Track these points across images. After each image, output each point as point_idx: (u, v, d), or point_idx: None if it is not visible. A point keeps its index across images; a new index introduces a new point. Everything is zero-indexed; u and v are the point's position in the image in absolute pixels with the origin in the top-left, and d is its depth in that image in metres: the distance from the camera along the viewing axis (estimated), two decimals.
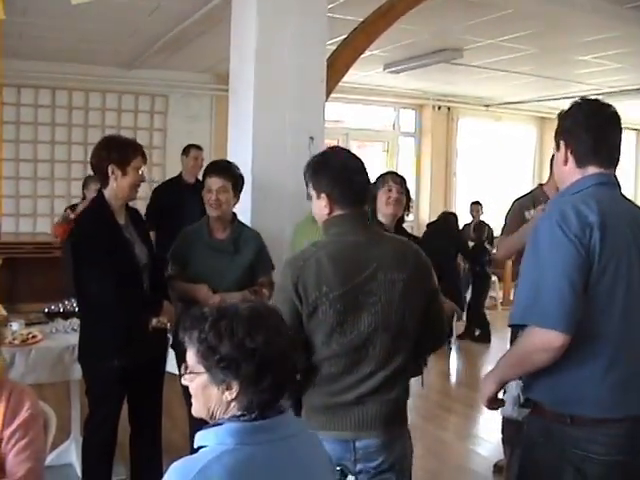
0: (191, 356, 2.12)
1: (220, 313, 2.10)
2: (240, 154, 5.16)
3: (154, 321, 3.93)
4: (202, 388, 2.12)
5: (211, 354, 2.06)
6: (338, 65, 5.84)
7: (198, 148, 7.70)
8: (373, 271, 2.88)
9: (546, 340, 2.47)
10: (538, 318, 2.49)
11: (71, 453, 4.98)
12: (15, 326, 4.60)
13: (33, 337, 4.72)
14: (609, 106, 2.70)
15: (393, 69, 9.93)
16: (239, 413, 2.08)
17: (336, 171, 2.93)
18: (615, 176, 2.72)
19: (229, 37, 5.77)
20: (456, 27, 7.78)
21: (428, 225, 9.68)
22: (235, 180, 4.46)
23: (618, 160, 2.71)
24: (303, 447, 2.20)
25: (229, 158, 5.39)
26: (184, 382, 2.15)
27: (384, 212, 4.39)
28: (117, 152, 4.01)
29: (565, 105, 2.81)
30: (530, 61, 9.39)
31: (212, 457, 2.00)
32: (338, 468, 2.81)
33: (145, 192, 10.50)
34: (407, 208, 4.52)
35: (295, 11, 5.26)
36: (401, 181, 4.48)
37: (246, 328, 2.05)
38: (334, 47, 6.09)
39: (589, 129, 2.65)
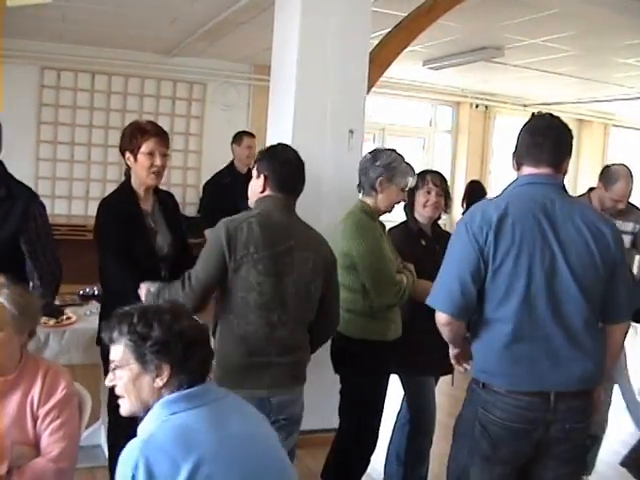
0: (119, 351, 2.38)
1: (144, 308, 2.44)
2: None
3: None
4: (133, 380, 2.38)
5: (142, 342, 2.34)
6: (380, 60, 5.84)
7: (251, 135, 7.56)
8: (291, 246, 3.42)
9: (438, 319, 3.06)
10: (433, 301, 3.08)
11: (100, 435, 5.02)
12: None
13: (67, 318, 4.77)
14: (547, 119, 3.15)
15: (433, 65, 9.88)
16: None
17: (277, 161, 3.54)
18: (552, 175, 3.08)
19: (269, 28, 5.78)
20: (498, 25, 7.71)
21: None
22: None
23: (553, 162, 3.07)
24: (234, 404, 2.53)
25: None
26: (110, 383, 2.42)
27: (421, 213, 4.39)
28: (128, 138, 4.06)
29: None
30: (571, 62, 9.29)
31: (151, 430, 2.28)
32: None
33: (180, 178, 10.67)
34: (446, 208, 4.50)
35: (339, 4, 5.25)
36: (441, 182, 4.47)
37: (171, 315, 2.38)
38: (375, 41, 6.07)
39: (523, 138, 3.13)
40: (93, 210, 4.14)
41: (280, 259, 3.40)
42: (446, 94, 12.53)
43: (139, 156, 4.01)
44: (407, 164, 4.20)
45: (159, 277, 4.02)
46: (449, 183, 4.71)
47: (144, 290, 3.73)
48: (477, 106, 12.84)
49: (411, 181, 4.20)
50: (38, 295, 3.77)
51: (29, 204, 3.96)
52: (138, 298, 3.69)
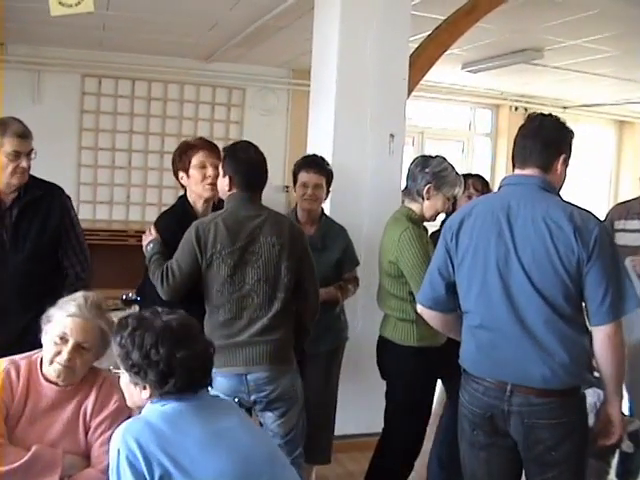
0: (116, 357, 2.54)
1: (139, 323, 2.50)
2: (320, 150, 5.16)
3: None
4: (126, 385, 2.58)
5: (126, 359, 2.47)
6: (420, 63, 5.81)
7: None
8: (256, 235, 3.69)
9: (417, 308, 3.44)
10: (416, 293, 3.54)
11: None
12: None
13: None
14: (538, 118, 3.22)
15: (471, 68, 9.83)
16: None
17: (240, 161, 3.79)
18: (535, 175, 3.11)
19: (308, 32, 5.79)
20: (537, 27, 7.66)
21: None
22: (328, 175, 4.48)
23: (539, 163, 3.12)
24: (224, 405, 2.78)
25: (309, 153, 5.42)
26: (116, 373, 2.64)
27: None
28: (178, 157, 4.13)
29: None
30: (611, 63, 9.20)
31: (143, 413, 2.51)
32: (236, 400, 3.53)
33: None
34: None
35: (379, 8, 5.26)
36: (482, 186, 4.45)
37: (154, 340, 2.44)
38: (415, 45, 6.06)
39: (515, 140, 3.24)
40: (134, 215, 4.20)
41: (246, 249, 3.69)
42: (485, 97, 12.45)
43: (191, 170, 4.05)
44: (456, 174, 4.17)
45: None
46: (490, 187, 4.68)
47: (146, 237, 3.97)
48: (516, 109, 12.73)
49: (459, 191, 4.17)
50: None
51: (62, 199, 4.07)
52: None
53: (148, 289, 4.02)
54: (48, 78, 10.13)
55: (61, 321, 2.95)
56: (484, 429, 3.13)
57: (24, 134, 3.80)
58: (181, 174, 4.11)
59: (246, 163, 3.82)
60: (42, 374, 3.01)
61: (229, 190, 3.81)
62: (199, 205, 4.10)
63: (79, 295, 3.06)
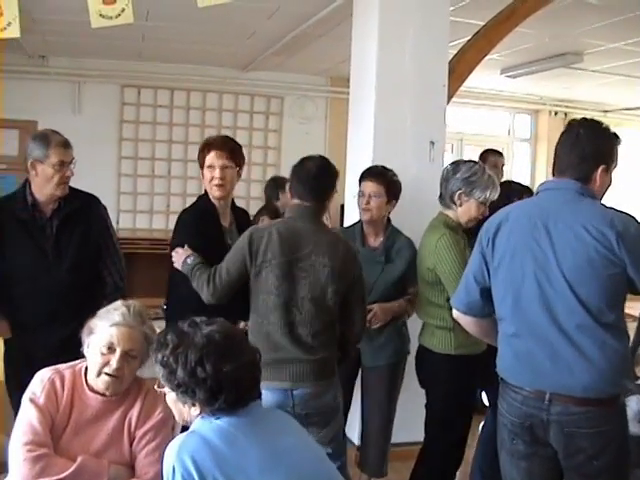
0: (159, 375, 2.45)
1: (179, 340, 2.41)
2: (360, 158, 5.17)
3: (242, 324, 3.90)
4: (173, 403, 2.50)
5: (172, 378, 2.39)
6: (459, 69, 5.78)
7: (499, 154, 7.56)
8: (308, 252, 3.64)
9: (453, 313, 3.42)
10: (452, 298, 3.46)
11: None
12: None
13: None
14: (576, 127, 3.14)
15: (510, 73, 9.75)
16: None
17: (301, 172, 3.81)
18: (573, 181, 3.05)
19: (346, 40, 5.78)
20: (577, 31, 7.57)
21: None
22: (388, 185, 4.43)
23: (578, 174, 3.06)
24: (280, 419, 2.67)
25: (348, 162, 5.41)
26: (160, 391, 2.53)
27: None
28: (198, 155, 4.16)
29: None
30: None
31: (194, 428, 2.41)
32: None
33: (259, 191, 10.76)
34: None
35: (417, 14, 5.25)
36: (525, 194, 4.41)
37: (198, 357, 2.35)
38: (453, 51, 6.03)
39: (556, 146, 3.17)
40: (174, 224, 4.19)
41: (296, 264, 3.65)
42: (524, 102, 12.35)
43: (204, 170, 4.10)
44: (489, 176, 4.13)
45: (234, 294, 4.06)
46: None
47: (181, 255, 3.88)
48: (556, 113, 12.62)
49: (493, 195, 4.12)
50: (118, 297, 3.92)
51: (99, 209, 4.14)
52: (208, 313, 3.75)
53: (173, 301, 4.15)
54: (88, 89, 10.23)
55: (106, 331, 2.96)
56: (524, 438, 3.09)
57: (67, 144, 3.90)
58: (201, 171, 4.17)
59: (306, 173, 3.82)
60: (87, 384, 3.02)
61: (291, 199, 3.88)
62: (217, 204, 4.13)
63: (120, 304, 3.07)
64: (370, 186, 4.48)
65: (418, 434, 4.34)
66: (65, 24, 7.77)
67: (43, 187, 3.87)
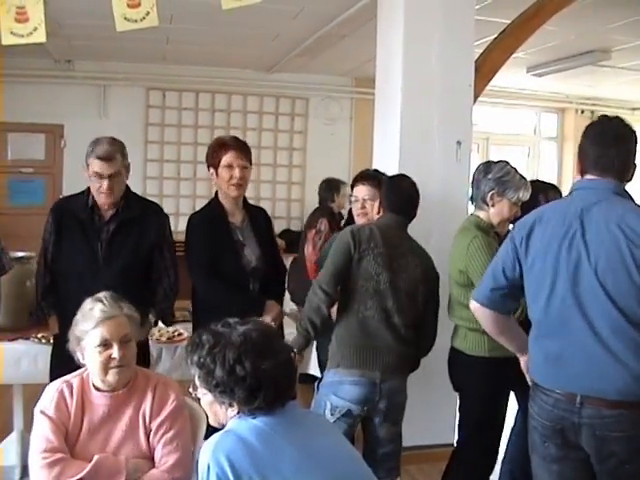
0: (195, 377, 2.41)
1: (215, 339, 2.38)
2: (386, 158, 5.14)
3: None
4: (209, 405, 2.45)
5: (210, 379, 2.35)
6: (486, 68, 5.73)
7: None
8: (404, 251, 3.87)
9: (470, 306, 3.38)
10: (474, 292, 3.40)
11: None
12: (162, 323, 4.70)
13: (179, 335, 4.83)
14: (613, 124, 3.10)
15: (537, 72, 9.69)
16: None
17: (397, 190, 4.02)
18: (609, 180, 3.01)
19: (370, 40, 5.75)
20: (604, 28, 7.51)
21: None
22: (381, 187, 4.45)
23: (617, 173, 3.02)
24: (316, 421, 2.67)
25: (375, 162, 5.39)
26: (194, 394, 2.48)
27: None
28: (211, 153, 4.20)
29: None
30: None
31: (230, 427, 2.36)
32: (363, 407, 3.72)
33: (284, 193, 10.76)
34: None
35: (443, 13, 5.20)
36: (555, 196, 4.37)
37: (236, 355, 2.32)
38: (479, 50, 5.98)
39: (591, 144, 3.08)
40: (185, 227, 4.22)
41: (395, 258, 3.82)
42: (550, 100, 12.27)
43: (220, 169, 4.13)
44: (521, 177, 4.10)
45: (247, 290, 4.12)
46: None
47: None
48: (582, 112, 12.52)
49: (525, 195, 4.09)
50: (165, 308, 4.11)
51: (159, 218, 4.15)
52: (224, 310, 3.77)
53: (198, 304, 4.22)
54: (114, 92, 10.29)
55: (95, 332, 2.99)
56: (555, 442, 3.04)
57: (106, 157, 3.84)
58: (211, 170, 4.21)
59: (401, 191, 4.05)
60: (93, 386, 3.06)
61: (378, 213, 4.08)
62: (228, 203, 4.19)
63: (91, 301, 3.11)
64: (363, 190, 4.51)
65: (448, 436, 4.31)
66: (90, 28, 7.80)
67: (92, 191, 3.92)
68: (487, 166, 4.13)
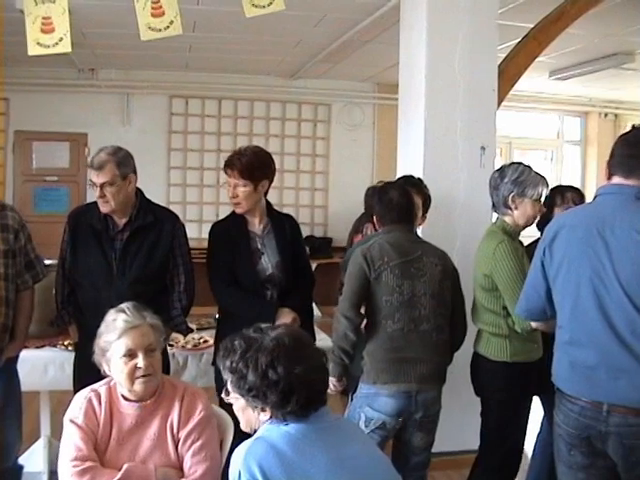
0: (227, 383, 2.41)
1: (247, 344, 2.38)
2: (410, 164, 5.12)
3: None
4: (242, 410, 2.45)
5: (242, 383, 2.34)
6: (509, 73, 5.70)
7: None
8: (419, 255, 3.81)
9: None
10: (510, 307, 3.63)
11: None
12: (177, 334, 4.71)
13: (205, 342, 4.82)
14: None
15: (559, 76, 9.66)
16: None
17: (382, 204, 3.97)
18: (633, 185, 2.95)
19: (392, 46, 5.75)
20: (627, 30, 7.48)
21: None
22: (424, 198, 4.45)
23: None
24: (347, 427, 2.60)
25: (399, 169, 5.38)
26: (227, 400, 2.47)
27: None
28: None
29: None
30: None
31: (261, 434, 2.35)
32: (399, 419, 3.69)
33: (308, 199, 10.77)
34: None
35: (465, 18, 5.17)
36: (580, 200, 4.33)
37: (269, 359, 2.32)
38: (502, 54, 5.96)
39: (620, 149, 3.03)
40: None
41: (412, 265, 3.78)
42: (573, 104, 12.23)
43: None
44: (537, 174, 4.07)
45: (263, 298, 4.10)
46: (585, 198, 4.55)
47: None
48: (606, 115, 12.47)
49: (544, 190, 4.06)
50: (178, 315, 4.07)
51: (174, 226, 4.12)
52: (239, 317, 3.82)
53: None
54: (137, 101, 10.37)
55: (119, 343, 2.99)
56: (581, 450, 3.00)
57: (98, 166, 3.85)
58: None
59: (389, 201, 3.98)
60: (122, 396, 3.06)
61: (380, 226, 4.03)
62: (248, 214, 4.18)
63: (114, 312, 3.11)
64: None
65: (472, 442, 4.28)
66: (114, 37, 7.87)
67: None
68: (501, 171, 4.11)
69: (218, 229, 4.23)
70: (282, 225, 4.27)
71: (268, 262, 4.13)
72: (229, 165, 4.08)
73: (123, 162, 3.91)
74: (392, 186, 4.15)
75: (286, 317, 4.02)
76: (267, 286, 4.12)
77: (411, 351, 3.73)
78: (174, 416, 3.06)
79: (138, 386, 3.00)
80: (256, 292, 4.08)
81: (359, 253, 3.81)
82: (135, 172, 3.98)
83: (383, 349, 3.72)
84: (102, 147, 3.98)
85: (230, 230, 4.14)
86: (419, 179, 4.59)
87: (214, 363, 4.13)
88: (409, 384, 3.70)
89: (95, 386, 3.12)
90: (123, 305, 3.12)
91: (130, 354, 2.98)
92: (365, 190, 7.72)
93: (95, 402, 3.05)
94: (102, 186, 3.84)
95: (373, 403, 3.71)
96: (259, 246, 4.14)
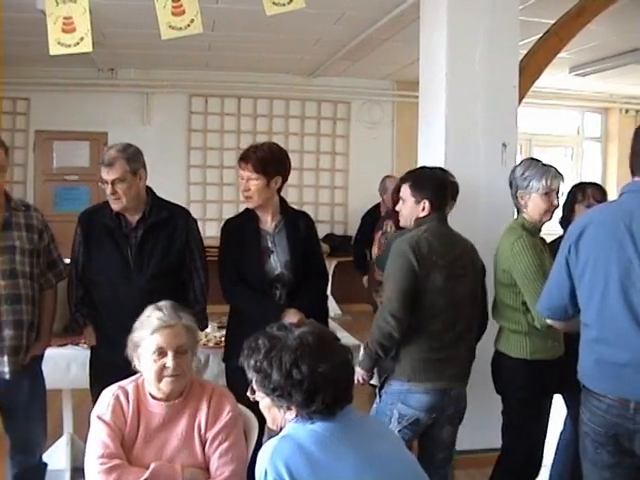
0: (252, 381, 2.40)
1: (271, 343, 2.36)
2: (431, 161, 5.09)
3: None
4: (268, 409, 2.44)
5: (267, 383, 2.33)
6: (530, 69, 5.66)
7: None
8: (460, 252, 3.77)
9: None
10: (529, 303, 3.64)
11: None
12: (208, 328, 4.71)
13: None
14: None
15: (580, 72, 9.61)
16: None
17: (436, 186, 3.83)
18: None
19: (412, 43, 5.74)
20: None
21: None
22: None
23: None
24: (374, 426, 2.59)
25: (420, 165, 5.35)
26: (253, 398, 2.46)
27: None
28: None
29: None
30: None
31: (287, 432, 2.33)
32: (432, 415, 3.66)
33: (328, 197, 10.77)
34: None
35: (486, 15, 5.15)
36: (602, 196, 4.31)
37: (293, 358, 2.30)
38: (522, 51, 5.94)
39: (638, 143, 3.01)
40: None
41: (456, 263, 3.73)
42: (594, 100, 12.14)
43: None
44: (544, 165, 4.05)
45: (271, 298, 4.07)
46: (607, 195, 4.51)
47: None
48: (627, 111, 12.38)
49: (553, 182, 4.03)
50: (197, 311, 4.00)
51: (187, 222, 4.14)
52: (246, 316, 3.87)
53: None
54: (156, 100, 10.40)
55: (151, 340, 2.99)
56: (608, 448, 2.97)
57: (107, 162, 3.87)
58: None
59: (442, 186, 3.89)
60: (149, 394, 3.06)
61: (424, 211, 3.82)
62: (260, 209, 4.15)
63: (152, 309, 3.10)
64: None
65: (494, 440, 4.27)
66: (133, 37, 7.90)
67: None
68: (512, 171, 4.12)
69: (229, 226, 4.21)
70: (296, 223, 4.24)
71: (277, 261, 4.10)
72: (243, 158, 4.07)
73: (133, 158, 3.92)
74: (437, 169, 4.11)
75: (292, 318, 3.93)
76: (276, 285, 4.09)
77: (448, 351, 3.70)
78: (202, 416, 3.05)
79: (165, 385, 3.00)
80: (264, 291, 4.05)
81: (408, 247, 3.66)
82: (145, 168, 4.00)
83: (422, 349, 3.67)
84: (111, 144, 4.00)
85: (241, 227, 4.13)
86: (442, 168, 4.54)
87: (225, 360, 4.17)
88: (443, 382, 3.68)
89: (123, 383, 3.12)
90: (161, 303, 3.12)
91: (160, 352, 2.97)
92: (381, 182, 7.70)
93: (123, 399, 3.04)
94: (113, 183, 3.86)
95: (407, 400, 3.67)
96: (269, 244, 4.11)
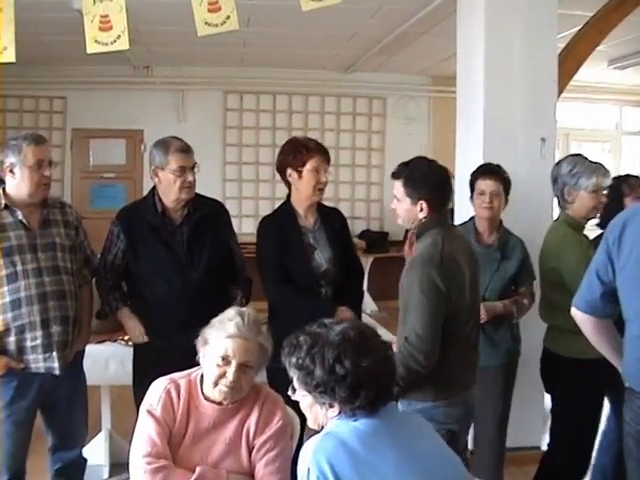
0: (293, 378, 2.38)
1: (313, 340, 2.34)
2: (470, 157, 5.06)
3: None
4: (309, 407, 2.41)
5: (309, 380, 2.31)
6: (569, 63, 5.61)
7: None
8: (469, 256, 3.43)
9: (572, 313, 3.18)
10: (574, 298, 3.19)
11: None
12: None
13: None
14: None
15: (619, 64, 9.50)
16: None
17: (434, 184, 3.37)
18: None
19: (448, 38, 5.69)
20: None
21: None
22: (505, 183, 4.35)
23: None
24: (417, 424, 2.55)
25: (458, 161, 5.32)
26: (294, 397, 2.45)
27: None
28: (291, 155, 4.08)
29: None
30: None
31: (330, 429, 2.32)
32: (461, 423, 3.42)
33: (363, 193, 10.74)
34: None
35: (524, 8, 5.09)
36: (630, 179, 4.25)
37: (335, 354, 2.28)
38: (560, 44, 5.86)
39: None
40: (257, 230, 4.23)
41: (475, 279, 3.48)
42: (633, 94, 11.96)
43: (304, 173, 4.03)
44: (593, 163, 3.99)
45: (318, 294, 4.04)
46: None
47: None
48: None
49: (602, 179, 3.98)
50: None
51: (225, 215, 4.21)
52: (292, 315, 3.75)
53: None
54: (192, 97, 10.44)
55: (221, 343, 2.90)
56: (634, 436, 2.94)
57: (186, 149, 3.94)
58: (290, 171, 4.07)
59: (441, 183, 3.44)
60: (202, 393, 3.00)
61: (425, 217, 3.40)
62: (300, 206, 4.11)
63: (234, 314, 2.98)
64: (491, 185, 4.33)
65: (535, 439, 4.23)
66: (168, 34, 7.92)
67: (167, 193, 3.94)
68: (558, 166, 4.06)
69: (267, 224, 4.16)
70: (332, 219, 4.23)
71: (322, 257, 4.08)
72: (321, 150, 4.13)
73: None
74: (430, 161, 3.56)
75: (345, 316, 3.88)
76: (322, 283, 4.07)
77: (466, 362, 3.48)
78: (252, 422, 2.99)
79: (218, 392, 2.92)
80: (311, 290, 4.02)
81: (433, 269, 3.24)
82: None
83: (444, 371, 3.29)
84: (163, 138, 4.01)
85: (281, 225, 4.08)
86: (497, 165, 4.47)
87: None
88: (465, 392, 3.44)
89: (175, 376, 3.04)
90: (246, 310, 3.01)
91: (225, 359, 2.88)
92: None
93: (174, 394, 2.97)
94: (192, 168, 3.92)
95: (435, 416, 3.27)
96: (311, 241, 4.09)
